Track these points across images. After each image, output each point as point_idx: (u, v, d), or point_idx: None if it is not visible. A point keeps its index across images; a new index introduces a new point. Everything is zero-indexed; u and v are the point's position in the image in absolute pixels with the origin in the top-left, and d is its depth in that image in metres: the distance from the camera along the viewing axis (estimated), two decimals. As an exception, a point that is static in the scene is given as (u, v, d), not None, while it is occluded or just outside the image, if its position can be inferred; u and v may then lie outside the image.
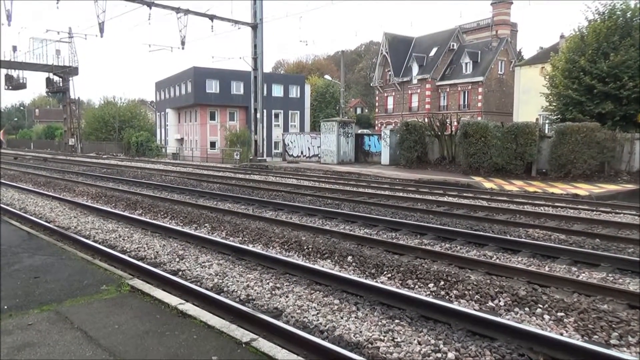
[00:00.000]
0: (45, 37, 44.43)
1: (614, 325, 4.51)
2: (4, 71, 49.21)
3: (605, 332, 4.44)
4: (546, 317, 4.83)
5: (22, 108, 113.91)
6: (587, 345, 3.90)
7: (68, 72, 49.62)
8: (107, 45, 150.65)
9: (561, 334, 4.42)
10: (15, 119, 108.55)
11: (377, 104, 63.26)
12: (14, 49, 47.67)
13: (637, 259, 6.70)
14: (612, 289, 5.45)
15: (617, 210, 11.63)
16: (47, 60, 48.73)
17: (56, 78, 51.01)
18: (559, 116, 23.30)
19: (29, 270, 5.80)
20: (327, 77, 65.25)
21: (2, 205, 11.36)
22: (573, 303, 5.00)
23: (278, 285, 5.77)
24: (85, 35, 40.54)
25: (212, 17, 27.31)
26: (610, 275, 6.23)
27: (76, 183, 16.73)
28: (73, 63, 49.88)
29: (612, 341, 4.31)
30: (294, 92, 56.62)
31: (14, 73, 50.25)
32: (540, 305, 5.03)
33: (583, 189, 15.73)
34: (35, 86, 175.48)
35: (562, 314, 4.83)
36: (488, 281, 5.71)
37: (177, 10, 26.30)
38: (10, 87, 51.26)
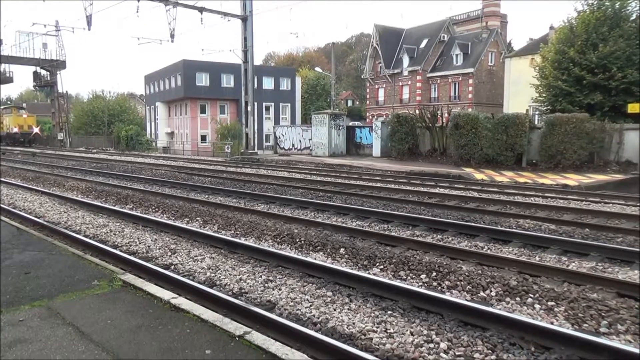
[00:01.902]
0: (32, 31, 43.94)
1: (603, 314, 4.57)
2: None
3: (595, 321, 4.49)
4: (537, 306, 4.88)
5: (9, 102, 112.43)
6: (577, 334, 3.96)
7: (56, 65, 48.99)
8: (95, 39, 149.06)
9: (552, 323, 4.47)
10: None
11: (368, 96, 63.22)
12: (0, 42, 46.95)
13: (626, 247, 6.79)
14: (602, 278, 5.52)
15: (606, 200, 11.75)
16: (34, 53, 48.13)
17: (44, 72, 50.37)
18: (548, 107, 23.44)
19: (19, 266, 5.75)
20: (317, 69, 65.05)
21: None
22: (563, 292, 5.06)
23: (271, 278, 5.77)
24: (73, 28, 39.85)
25: (201, 10, 27.07)
26: (599, 264, 6.30)
27: (65, 178, 16.58)
28: (61, 56, 49.25)
29: (602, 329, 4.36)
30: (285, 84, 56.40)
31: (0, 67, 49.53)
32: (531, 295, 5.08)
33: (573, 179, 15.87)
34: (23, 80, 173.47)
35: (553, 303, 4.88)
36: (479, 272, 5.76)
37: (166, 2, 26.03)
38: (-4, 81, 50.55)
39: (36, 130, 49.13)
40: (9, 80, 52.02)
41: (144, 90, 66.59)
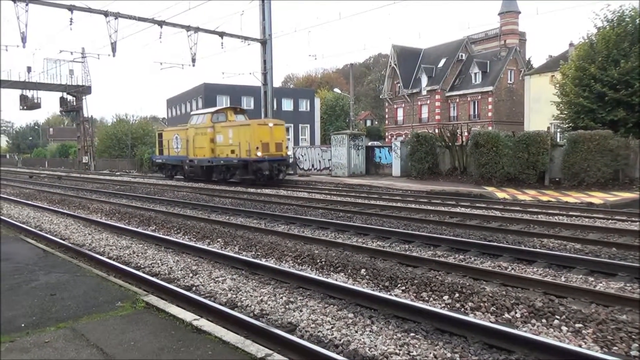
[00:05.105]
0: (59, 58, 45.11)
1: (633, 336, 4.44)
2: (18, 92, 50.07)
3: (625, 343, 4.36)
4: (564, 328, 4.76)
5: (36, 127, 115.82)
6: (606, 357, 3.84)
7: (81, 91, 50.42)
8: (120, 64, 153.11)
9: (580, 346, 4.36)
10: (30, 138, 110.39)
11: (386, 116, 63.39)
12: (29, 69, 48.52)
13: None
14: (631, 299, 5.36)
15: (633, 219, 11.46)
16: (61, 80, 49.57)
17: (70, 97, 51.82)
18: (570, 124, 23.12)
19: (45, 288, 5.86)
20: (336, 90, 65.59)
21: (16, 223, 11.52)
22: (591, 314, 4.93)
23: (292, 299, 5.76)
24: (98, 54, 40.76)
25: (221, 34, 27.67)
26: (628, 284, 6.13)
27: (90, 200, 16.91)
28: (86, 82, 50.69)
29: (633, 352, 4.23)
30: (304, 105, 56.93)
31: (29, 93, 51.13)
32: (558, 317, 4.96)
33: (597, 197, 15.54)
34: (50, 105, 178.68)
35: (580, 325, 4.76)
36: (503, 292, 5.65)
37: (188, 28, 26.69)
38: (25, 107, 52.10)
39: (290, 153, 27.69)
40: (37, 106, 53.59)
41: (166, 113, 67.94)
